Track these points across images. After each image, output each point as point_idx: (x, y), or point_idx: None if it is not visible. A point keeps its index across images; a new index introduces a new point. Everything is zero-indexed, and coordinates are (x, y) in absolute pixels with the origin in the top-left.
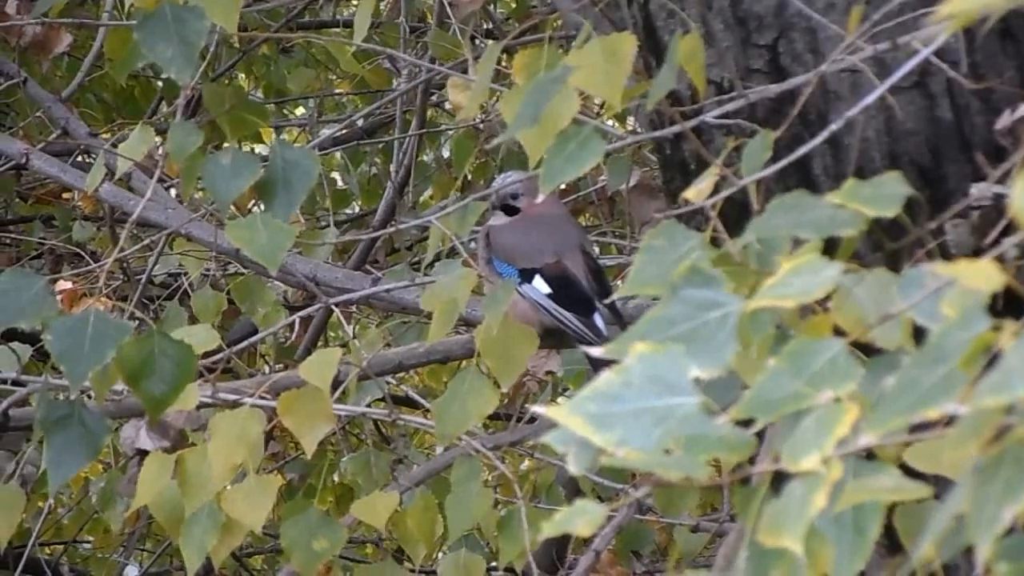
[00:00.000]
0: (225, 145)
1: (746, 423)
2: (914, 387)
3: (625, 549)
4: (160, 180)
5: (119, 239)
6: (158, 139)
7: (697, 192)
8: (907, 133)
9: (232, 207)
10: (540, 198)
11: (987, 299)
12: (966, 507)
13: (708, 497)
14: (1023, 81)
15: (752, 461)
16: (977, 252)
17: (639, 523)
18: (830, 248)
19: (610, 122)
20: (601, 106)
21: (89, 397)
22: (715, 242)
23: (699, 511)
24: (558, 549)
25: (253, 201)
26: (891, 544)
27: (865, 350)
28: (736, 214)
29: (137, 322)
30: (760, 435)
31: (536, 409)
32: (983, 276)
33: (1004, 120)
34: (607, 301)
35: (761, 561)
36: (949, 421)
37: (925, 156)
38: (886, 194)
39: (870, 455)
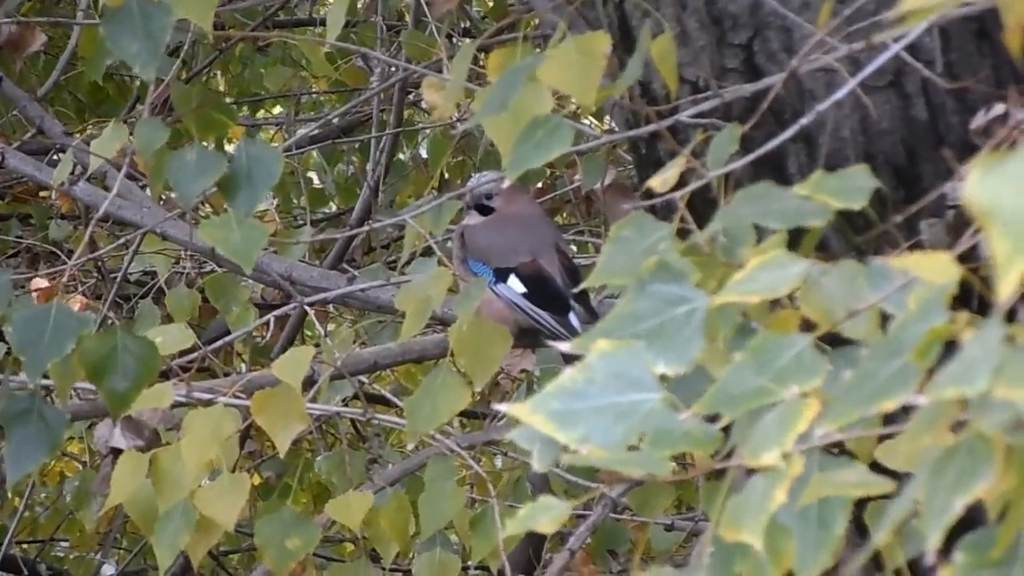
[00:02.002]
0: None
1: (713, 419)
2: (871, 380)
3: (601, 548)
4: (135, 179)
5: (92, 237)
6: (131, 138)
7: (662, 181)
8: (882, 133)
9: (208, 206)
10: (506, 183)
11: (950, 293)
12: (920, 497)
13: (684, 496)
14: (998, 80)
15: (727, 456)
16: None
17: (615, 522)
18: (796, 243)
19: (586, 121)
20: (577, 107)
21: (51, 392)
22: (683, 234)
23: (674, 510)
24: (534, 548)
25: None
26: (877, 558)
27: (834, 340)
28: (706, 208)
29: (110, 321)
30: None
31: (499, 407)
32: (938, 269)
33: (979, 120)
34: (576, 290)
35: (725, 557)
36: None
37: (900, 155)
38: (853, 186)
39: (843, 452)
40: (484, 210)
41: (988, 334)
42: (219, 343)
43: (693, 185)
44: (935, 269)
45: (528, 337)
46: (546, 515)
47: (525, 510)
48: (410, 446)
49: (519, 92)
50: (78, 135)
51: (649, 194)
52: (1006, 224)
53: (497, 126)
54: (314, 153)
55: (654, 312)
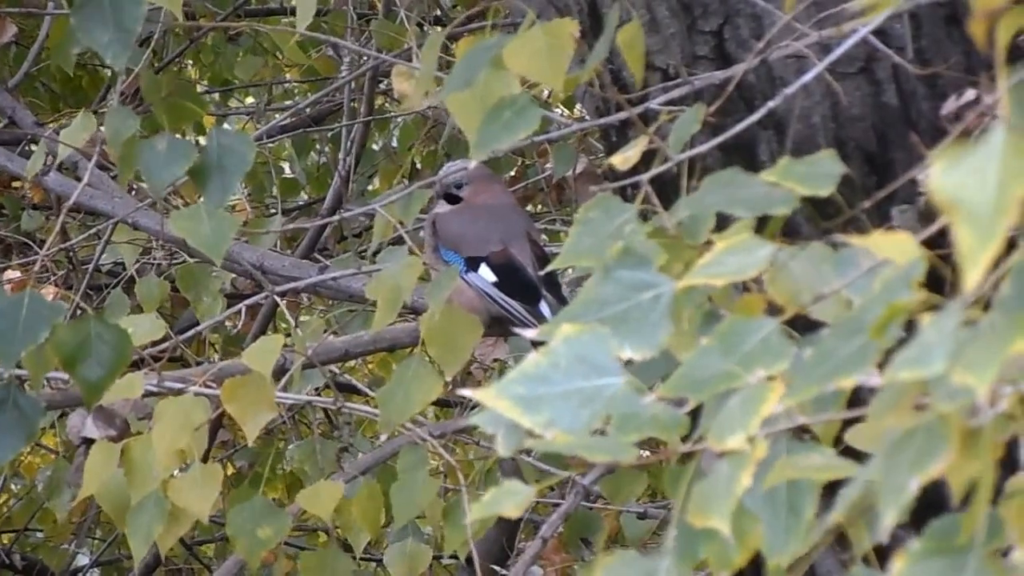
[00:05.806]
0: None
1: (681, 404)
2: (830, 357)
3: (573, 537)
4: (106, 169)
5: (62, 228)
6: (102, 128)
7: (624, 159)
8: (853, 119)
9: (179, 197)
10: (472, 164)
11: (916, 276)
12: (877, 476)
13: (656, 484)
14: (969, 66)
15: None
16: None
17: (587, 511)
18: (763, 227)
19: (557, 110)
20: (548, 94)
21: (24, 382)
22: (646, 216)
23: (647, 498)
24: (507, 536)
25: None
26: (843, 538)
27: (804, 324)
28: (674, 189)
29: (81, 311)
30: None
31: (464, 392)
32: (900, 248)
33: (950, 105)
34: (543, 272)
35: (689, 541)
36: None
37: (871, 142)
38: (821, 172)
39: (814, 438)
40: (453, 199)
41: (946, 318)
42: (190, 332)
43: (658, 167)
44: (896, 248)
45: (499, 326)
46: (511, 499)
47: (490, 494)
48: (383, 437)
49: (486, 76)
50: (51, 125)
51: (616, 176)
52: (970, 216)
53: (463, 108)
54: (286, 142)
55: (620, 298)
